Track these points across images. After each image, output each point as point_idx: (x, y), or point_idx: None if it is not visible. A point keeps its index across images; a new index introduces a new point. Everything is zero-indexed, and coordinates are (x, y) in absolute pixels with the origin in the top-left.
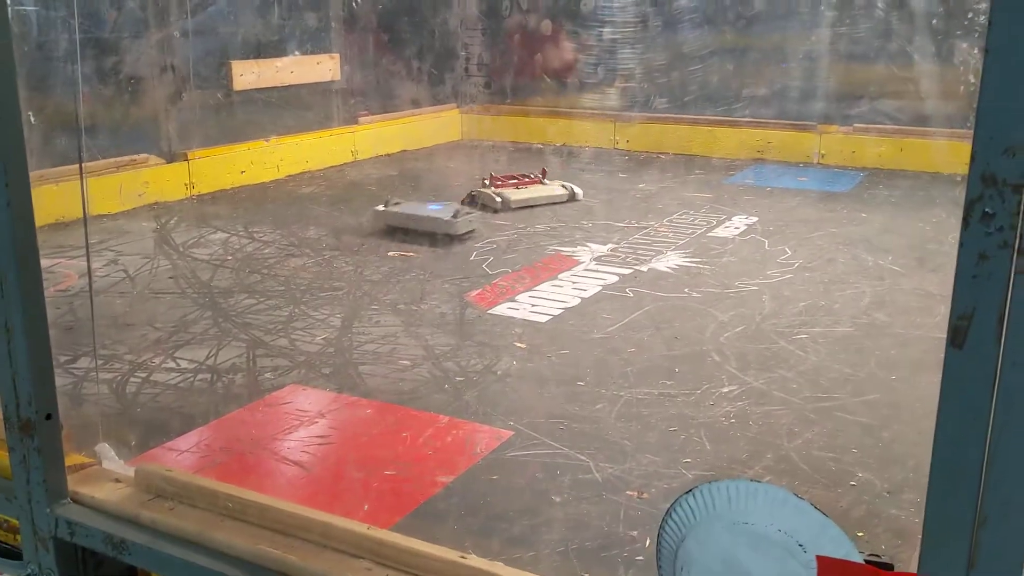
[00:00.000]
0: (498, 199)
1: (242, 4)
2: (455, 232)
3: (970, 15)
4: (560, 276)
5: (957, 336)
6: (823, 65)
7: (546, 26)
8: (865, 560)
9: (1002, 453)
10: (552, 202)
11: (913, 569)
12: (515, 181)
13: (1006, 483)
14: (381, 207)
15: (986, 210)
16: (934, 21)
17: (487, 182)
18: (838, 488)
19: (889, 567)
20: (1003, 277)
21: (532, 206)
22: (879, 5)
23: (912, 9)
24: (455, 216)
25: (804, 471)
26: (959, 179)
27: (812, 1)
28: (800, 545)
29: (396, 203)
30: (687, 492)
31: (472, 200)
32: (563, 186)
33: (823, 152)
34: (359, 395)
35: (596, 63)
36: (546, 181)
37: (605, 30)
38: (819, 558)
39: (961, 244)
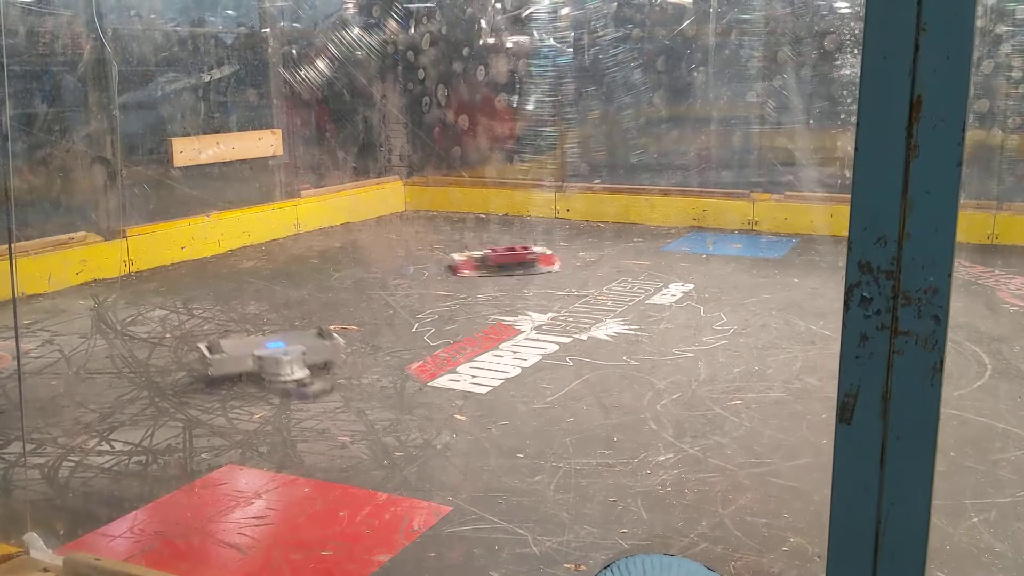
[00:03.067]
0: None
1: (182, 80)
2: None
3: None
4: (501, 346)
5: (845, 412)
6: (755, 134)
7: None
8: None
9: (892, 522)
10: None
11: None
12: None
13: (898, 550)
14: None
15: (864, 295)
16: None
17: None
18: (771, 553)
19: None
20: (883, 357)
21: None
22: (807, 75)
23: (840, 78)
24: (302, 357)
25: (737, 537)
26: None
27: (739, 74)
28: None
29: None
30: (605, 567)
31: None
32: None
33: (756, 219)
34: (297, 474)
35: (535, 136)
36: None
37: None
38: None
39: (844, 326)
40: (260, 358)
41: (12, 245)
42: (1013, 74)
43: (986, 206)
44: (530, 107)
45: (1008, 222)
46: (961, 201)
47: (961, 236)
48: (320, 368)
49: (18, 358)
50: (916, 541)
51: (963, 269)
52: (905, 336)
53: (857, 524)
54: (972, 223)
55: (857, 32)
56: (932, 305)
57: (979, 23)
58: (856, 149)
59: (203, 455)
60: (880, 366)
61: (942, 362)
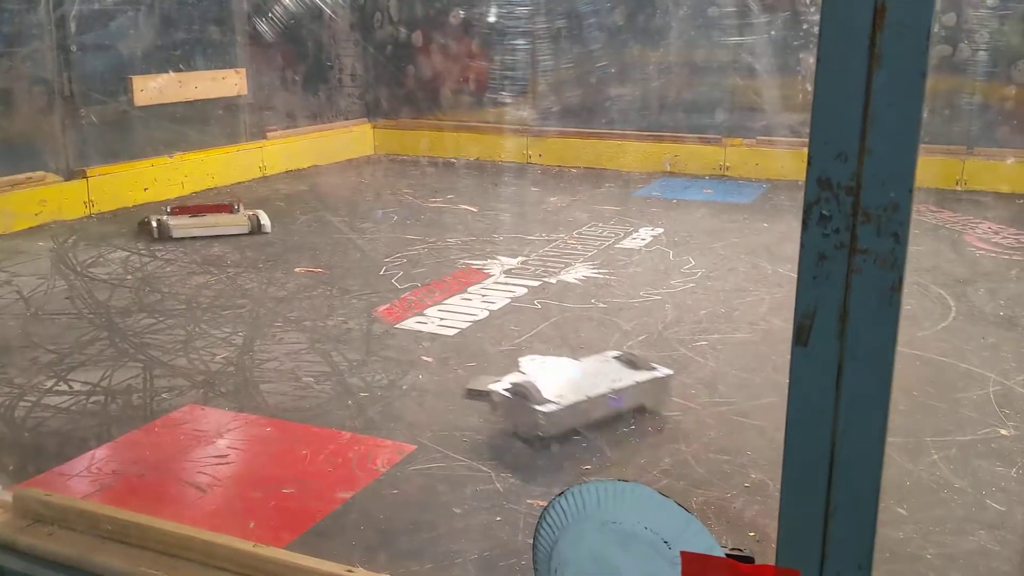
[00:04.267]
0: (155, 226)
1: (144, 18)
2: None
3: None
4: (469, 290)
5: (801, 334)
6: (728, 79)
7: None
8: (727, 554)
9: (847, 446)
10: (227, 234)
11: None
12: (195, 211)
13: (852, 475)
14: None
15: (823, 212)
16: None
17: (167, 210)
18: (732, 490)
19: (750, 560)
20: (841, 276)
21: (199, 237)
22: (779, 21)
23: (811, 23)
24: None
25: (700, 473)
26: None
27: (717, 16)
28: (665, 542)
29: None
30: (559, 494)
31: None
32: (250, 217)
33: (728, 164)
34: (259, 414)
35: (504, 77)
36: (238, 210)
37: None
38: (683, 553)
39: (801, 246)
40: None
41: None
42: None
43: (955, 151)
44: (500, 51)
45: (976, 167)
46: (930, 146)
47: (930, 181)
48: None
49: None
50: (871, 465)
51: (931, 214)
52: (864, 254)
53: (811, 448)
54: (941, 168)
55: None
56: (892, 222)
57: None
58: (817, 60)
59: (163, 395)
60: (838, 286)
61: (901, 281)
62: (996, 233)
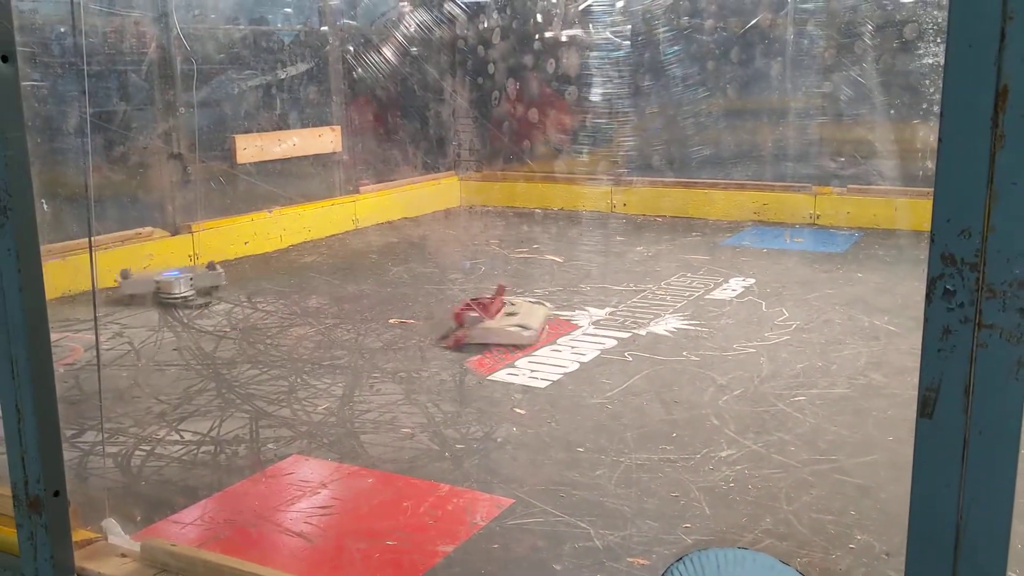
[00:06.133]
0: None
1: (244, 78)
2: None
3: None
4: (559, 341)
5: (926, 407)
6: (816, 126)
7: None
8: None
9: (974, 520)
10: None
11: None
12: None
13: (979, 550)
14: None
15: (947, 287)
16: (925, 80)
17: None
18: (837, 551)
19: None
20: (966, 350)
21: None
22: (865, 66)
23: (901, 68)
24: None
25: (803, 534)
26: None
27: (800, 62)
28: None
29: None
30: (678, 560)
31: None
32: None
33: (818, 213)
34: (360, 465)
35: (592, 131)
36: (513, 301)
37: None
38: None
39: (926, 319)
40: (158, 282)
41: (92, 239)
42: None
43: None
44: (589, 100)
45: None
46: None
47: None
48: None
49: (97, 350)
50: (998, 539)
51: None
52: (989, 329)
53: (937, 521)
54: None
55: (896, 20)
56: (1018, 298)
57: None
58: (940, 139)
59: (269, 445)
60: (963, 360)
61: None
62: None
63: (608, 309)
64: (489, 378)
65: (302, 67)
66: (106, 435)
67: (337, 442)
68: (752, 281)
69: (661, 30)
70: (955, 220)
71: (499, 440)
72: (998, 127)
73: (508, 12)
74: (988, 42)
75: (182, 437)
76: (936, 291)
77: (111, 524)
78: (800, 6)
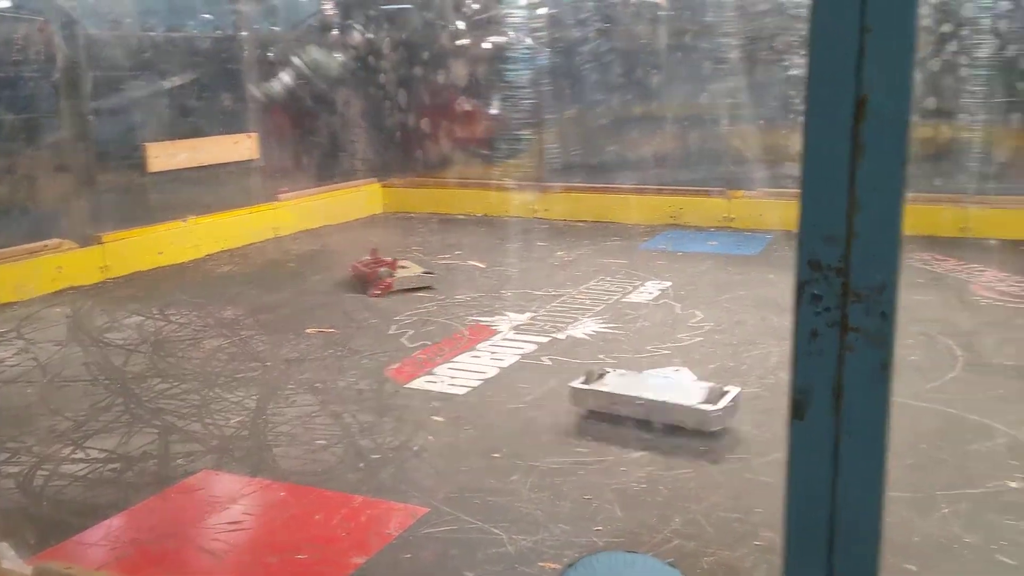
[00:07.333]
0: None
1: (156, 85)
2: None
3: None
4: (479, 347)
5: (798, 409)
6: (728, 131)
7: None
8: None
9: (847, 518)
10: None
11: None
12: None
13: (855, 545)
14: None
15: (814, 292)
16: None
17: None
18: (743, 548)
19: None
20: (834, 353)
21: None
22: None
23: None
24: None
25: (710, 533)
26: None
27: (714, 69)
28: None
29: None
30: (568, 565)
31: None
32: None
33: (732, 216)
34: (273, 478)
35: (510, 137)
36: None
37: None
38: None
39: (795, 323)
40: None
41: None
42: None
43: (958, 200)
44: (504, 108)
45: (980, 215)
46: (934, 195)
47: (935, 230)
48: None
49: None
50: (870, 535)
51: (936, 263)
52: (855, 333)
53: (812, 519)
54: (945, 217)
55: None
56: (880, 302)
57: (925, 22)
58: (804, 149)
59: (178, 461)
60: (831, 363)
61: (891, 357)
62: (1001, 281)
63: (528, 314)
64: (407, 386)
65: (188, 76)
66: (6, 455)
67: (249, 456)
68: (668, 284)
69: (579, 37)
70: (820, 227)
71: (415, 449)
72: (858, 137)
73: (432, 18)
74: (847, 54)
75: (87, 455)
76: (804, 296)
77: (3, 548)
78: (704, 18)
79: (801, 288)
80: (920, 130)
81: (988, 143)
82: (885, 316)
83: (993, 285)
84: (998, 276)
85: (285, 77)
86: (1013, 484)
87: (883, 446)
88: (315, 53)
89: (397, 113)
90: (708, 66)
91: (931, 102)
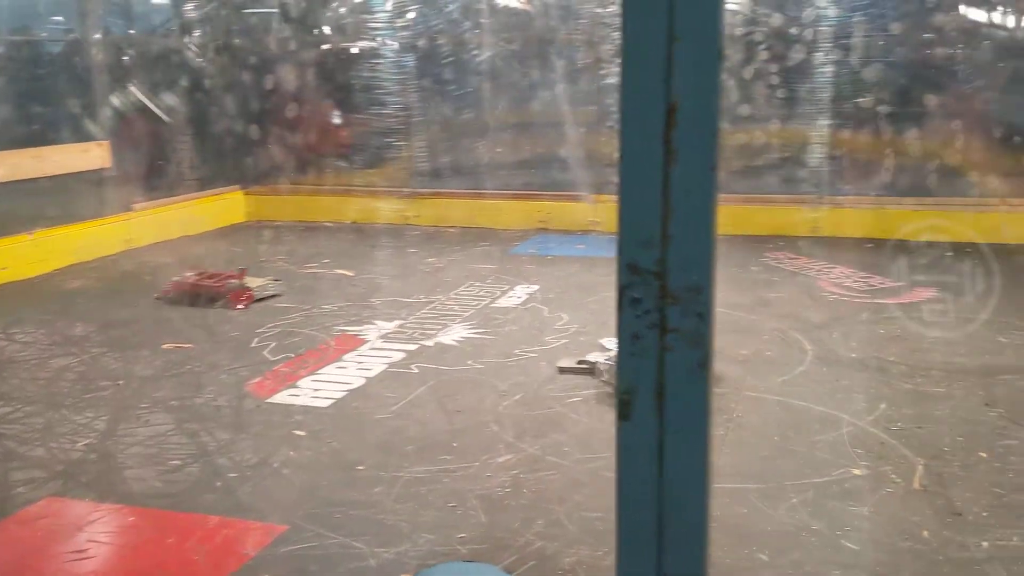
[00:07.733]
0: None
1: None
2: None
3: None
4: (345, 357)
5: (624, 409)
6: (590, 136)
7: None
8: None
9: (674, 514)
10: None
11: None
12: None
13: (682, 541)
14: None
15: (634, 295)
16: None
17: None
18: (604, 547)
19: None
20: (655, 354)
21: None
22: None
23: None
24: None
25: (573, 533)
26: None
27: (577, 77)
28: None
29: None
30: None
31: None
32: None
33: (598, 220)
34: (123, 503)
35: (378, 143)
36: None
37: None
38: None
39: (618, 326)
40: None
41: None
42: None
43: (808, 200)
44: (371, 113)
45: (828, 215)
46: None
47: (788, 229)
48: None
49: None
50: (697, 530)
51: (789, 261)
52: (674, 333)
53: (641, 518)
54: (796, 217)
55: None
56: (695, 303)
57: (737, 31)
58: (619, 156)
59: (19, 489)
60: (652, 364)
61: (709, 356)
62: (847, 277)
63: (397, 322)
64: (268, 401)
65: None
66: None
67: (97, 480)
68: (536, 288)
69: (447, 45)
70: (637, 232)
71: (275, 465)
72: (670, 143)
73: (297, 22)
74: (657, 62)
75: None
76: (625, 300)
77: None
78: (577, 23)
79: (622, 292)
80: (735, 136)
81: (837, 144)
82: (702, 316)
83: (840, 281)
84: (845, 272)
85: (135, 89)
86: (856, 472)
87: (706, 443)
88: (138, 94)
89: (254, 120)
90: (566, 71)
91: (743, 109)
